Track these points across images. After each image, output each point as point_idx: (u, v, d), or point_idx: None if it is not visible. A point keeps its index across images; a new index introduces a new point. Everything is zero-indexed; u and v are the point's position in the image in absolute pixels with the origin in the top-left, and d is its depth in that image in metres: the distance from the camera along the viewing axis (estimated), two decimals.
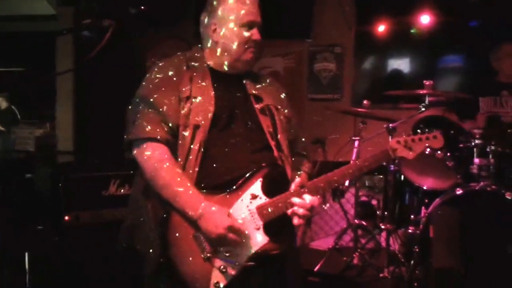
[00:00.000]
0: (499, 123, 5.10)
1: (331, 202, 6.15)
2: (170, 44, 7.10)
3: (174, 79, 2.64)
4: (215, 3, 2.73)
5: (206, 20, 2.77)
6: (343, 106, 7.12)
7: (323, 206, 6.17)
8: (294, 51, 7.62)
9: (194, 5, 7.10)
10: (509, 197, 3.95)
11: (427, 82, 4.60)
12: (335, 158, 5.79)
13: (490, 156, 4.23)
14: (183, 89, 2.61)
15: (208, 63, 2.77)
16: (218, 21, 2.71)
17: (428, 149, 2.71)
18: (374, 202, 5.93)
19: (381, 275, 4.89)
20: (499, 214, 3.99)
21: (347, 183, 5.13)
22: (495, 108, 5.24)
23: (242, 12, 2.68)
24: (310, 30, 7.43)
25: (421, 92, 4.60)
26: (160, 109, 2.55)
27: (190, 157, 2.54)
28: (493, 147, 4.23)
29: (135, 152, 2.59)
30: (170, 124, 2.55)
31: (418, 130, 2.74)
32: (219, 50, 2.73)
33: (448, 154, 4.50)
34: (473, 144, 4.31)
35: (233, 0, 2.70)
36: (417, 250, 4.34)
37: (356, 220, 5.38)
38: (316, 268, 5.11)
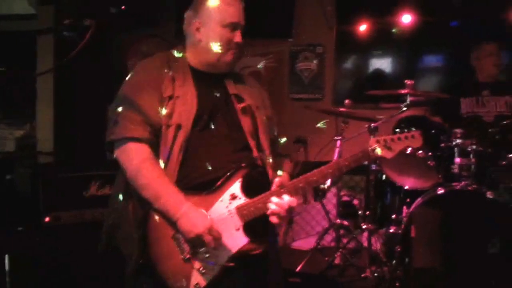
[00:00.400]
0: (480, 123, 5.13)
1: (313, 202, 6.15)
2: (151, 44, 7.06)
3: (156, 78, 2.63)
4: (201, 1, 2.73)
5: (190, 18, 2.76)
6: (324, 106, 7.11)
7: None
8: (275, 51, 7.60)
9: (175, 5, 7.08)
10: (490, 197, 3.97)
11: (408, 82, 4.60)
12: (317, 158, 5.79)
13: (471, 155, 4.25)
14: (165, 88, 2.60)
15: (190, 62, 2.77)
16: (203, 20, 2.70)
17: (409, 149, 2.71)
18: (355, 202, 5.93)
19: (362, 275, 4.90)
20: (480, 213, 4.01)
21: (328, 182, 5.13)
22: (477, 108, 5.26)
23: (227, 13, 2.68)
24: (291, 29, 7.41)
25: (402, 91, 4.60)
26: (142, 109, 2.54)
27: (172, 156, 2.53)
28: (474, 147, 4.25)
29: (116, 152, 2.58)
30: (152, 124, 2.55)
31: (397, 130, 2.74)
32: (201, 49, 2.73)
33: (430, 153, 4.52)
34: (454, 143, 4.32)
35: (219, 0, 2.69)
36: (398, 249, 4.34)
37: (337, 220, 5.39)
38: (298, 268, 5.12)
